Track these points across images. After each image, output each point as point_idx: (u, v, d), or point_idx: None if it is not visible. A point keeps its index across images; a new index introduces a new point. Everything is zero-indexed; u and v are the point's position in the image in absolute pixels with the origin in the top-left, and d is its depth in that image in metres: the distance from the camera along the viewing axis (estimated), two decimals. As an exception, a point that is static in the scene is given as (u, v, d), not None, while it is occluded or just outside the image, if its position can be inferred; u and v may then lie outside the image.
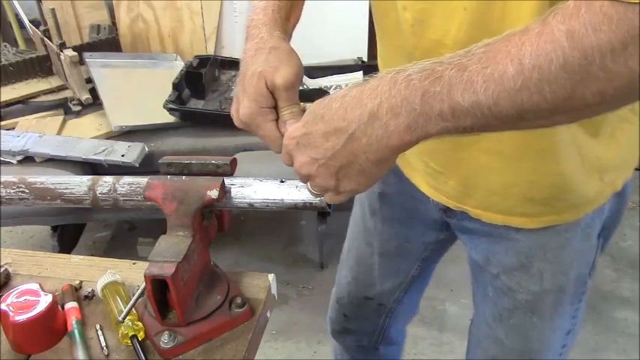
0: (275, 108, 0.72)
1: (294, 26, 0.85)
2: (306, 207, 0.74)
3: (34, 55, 2.24)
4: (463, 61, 0.55)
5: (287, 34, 0.80)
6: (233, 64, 2.28)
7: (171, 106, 1.98)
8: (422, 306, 2.13)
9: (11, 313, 0.74)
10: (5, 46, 2.35)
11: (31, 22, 2.30)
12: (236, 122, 0.75)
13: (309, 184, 0.70)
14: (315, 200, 0.73)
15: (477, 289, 1.06)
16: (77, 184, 0.80)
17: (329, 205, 0.74)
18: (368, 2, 2.45)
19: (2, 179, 0.81)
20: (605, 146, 0.82)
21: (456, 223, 0.97)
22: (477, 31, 0.56)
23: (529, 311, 0.97)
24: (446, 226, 1.03)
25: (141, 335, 0.76)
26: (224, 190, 0.75)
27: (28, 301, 0.76)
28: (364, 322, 1.28)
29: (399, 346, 1.40)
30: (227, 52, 2.40)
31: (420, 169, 0.95)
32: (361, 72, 2.27)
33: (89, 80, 2.12)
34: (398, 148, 0.60)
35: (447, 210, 0.95)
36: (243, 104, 0.73)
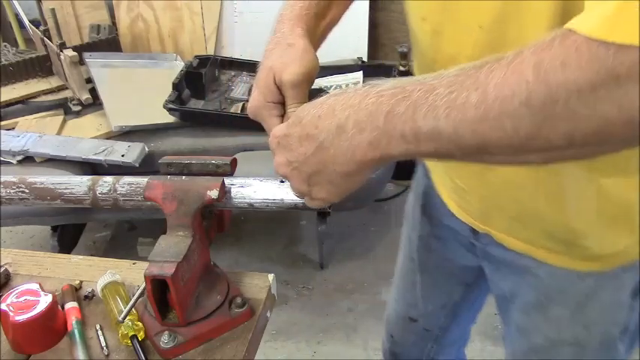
0: (283, 104, 0.72)
1: (331, 25, 0.84)
2: (306, 207, 0.74)
3: (34, 55, 2.24)
4: (434, 83, 0.51)
5: (315, 32, 0.79)
6: (233, 64, 2.28)
7: (171, 106, 1.98)
8: (422, 306, 2.15)
9: (11, 313, 0.74)
10: (5, 46, 2.35)
11: (31, 22, 2.30)
12: (247, 112, 0.76)
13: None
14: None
15: (502, 323, 1.02)
16: (77, 184, 0.80)
17: (329, 205, 0.74)
18: (368, 2, 2.46)
19: (2, 179, 0.81)
20: (634, 190, 0.72)
21: (482, 248, 0.92)
22: (493, 50, 0.53)
23: (543, 359, 0.91)
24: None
25: (141, 335, 0.76)
26: (224, 190, 0.75)
27: (28, 301, 0.76)
28: (410, 347, 1.23)
29: None
30: (227, 52, 2.40)
31: (447, 185, 0.91)
32: (361, 72, 2.27)
33: (89, 80, 2.12)
34: (363, 164, 0.58)
35: (474, 232, 0.91)
36: (252, 95, 0.74)
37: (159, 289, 0.72)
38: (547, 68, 0.44)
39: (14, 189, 0.81)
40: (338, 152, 0.58)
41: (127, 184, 0.78)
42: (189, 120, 2.02)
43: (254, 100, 0.73)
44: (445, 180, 0.91)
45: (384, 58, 2.75)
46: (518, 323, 0.94)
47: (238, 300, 0.79)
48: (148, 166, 1.85)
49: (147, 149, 1.89)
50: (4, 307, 0.75)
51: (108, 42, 2.30)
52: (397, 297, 1.19)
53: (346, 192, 0.64)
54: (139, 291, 0.75)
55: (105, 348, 0.76)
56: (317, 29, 0.80)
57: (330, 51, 2.38)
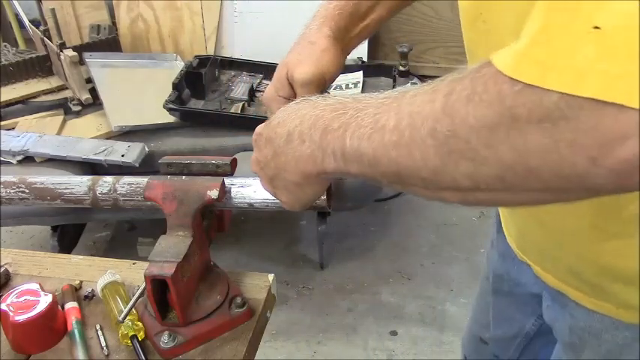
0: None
1: (372, 27, 0.81)
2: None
3: (34, 55, 2.24)
4: (368, 102, 0.50)
5: (347, 33, 0.77)
6: (233, 64, 2.28)
7: (171, 106, 1.98)
8: (422, 306, 2.15)
9: (11, 313, 0.74)
10: (5, 46, 2.35)
11: (31, 22, 2.30)
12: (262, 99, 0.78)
13: None
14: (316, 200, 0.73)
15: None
16: (77, 184, 0.80)
17: (329, 205, 0.74)
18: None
19: (2, 179, 0.81)
20: None
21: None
22: None
23: None
24: None
25: (141, 335, 0.76)
26: (224, 190, 0.75)
27: (28, 301, 0.76)
28: None
29: None
30: (227, 52, 2.40)
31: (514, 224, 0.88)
32: (361, 72, 2.27)
33: (89, 80, 2.12)
34: (307, 176, 0.56)
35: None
36: (268, 86, 0.76)
37: (159, 289, 0.72)
38: (454, 100, 0.41)
39: (14, 189, 0.81)
40: (287, 159, 0.58)
41: (127, 184, 0.78)
42: (189, 120, 2.02)
43: (268, 91, 0.76)
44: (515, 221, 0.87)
45: (384, 58, 2.75)
46: (556, 357, 0.90)
47: (238, 300, 0.79)
48: (148, 166, 1.85)
49: (147, 149, 1.89)
50: (4, 307, 0.75)
51: (108, 42, 2.30)
52: (473, 315, 1.14)
53: (304, 201, 0.62)
54: (139, 291, 0.75)
55: (105, 348, 0.76)
56: (351, 30, 0.78)
57: (330, 51, 2.38)
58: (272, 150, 0.60)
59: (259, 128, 0.64)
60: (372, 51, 2.56)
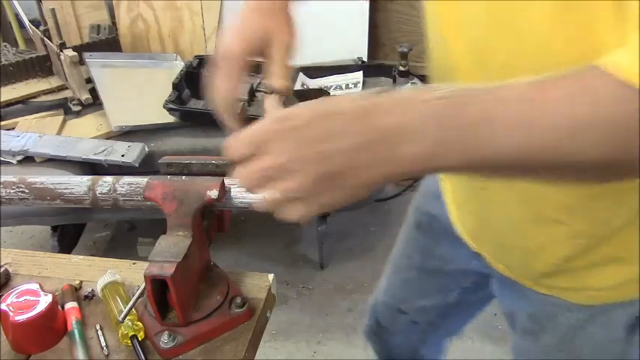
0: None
1: None
2: (306, 207, 0.74)
3: (34, 55, 2.24)
4: (503, 93, 0.48)
5: None
6: (233, 64, 2.27)
7: (171, 106, 1.98)
8: (422, 306, 2.15)
9: (11, 313, 0.74)
10: (5, 46, 2.35)
11: (31, 22, 2.30)
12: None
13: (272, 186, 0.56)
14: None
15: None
16: (77, 184, 0.80)
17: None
18: (368, 2, 2.46)
19: (2, 179, 0.81)
20: (620, 219, 0.70)
21: (482, 265, 0.91)
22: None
23: None
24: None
25: (141, 335, 0.76)
26: (224, 190, 0.75)
27: (28, 301, 0.76)
28: (396, 334, 1.22)
29: None
30: (227, 52, 2.40)
31: (449, 193, 0.91)
32: (361, 72, 2.27)
33: (89, 80, 2.12)
34: (391, 176, 0.51)
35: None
36: (219, 81, 0.76)
37: (159, 289, 0.72)
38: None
39: (14, 189, 0.81)
40: (369, 158, 0.50)
41: (126, 184, 0.78)
42: (189, 120, 2.02)
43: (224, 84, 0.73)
44: (448, 187, 0.91)
45: (384, 58, 2.75)
46: (516, 344, 0.93)
47: (238, 300, 0.79)
48: (148, 166, 1.85)
49: (147, 149, 1.89)
50: (4, 307, 0.75)
51: (108, 42, 2.30)
52: (388, 288, 1.17)
53: (333, 207, 0.54)
54: (139, 291, 0.75)
55: (105, 348, 0.76)
56: None
57: (330, 51, 2.38)
58: (348, 143, 0.50)
59: (293, 115, 0.53)
60: (372, 51, 2.56)
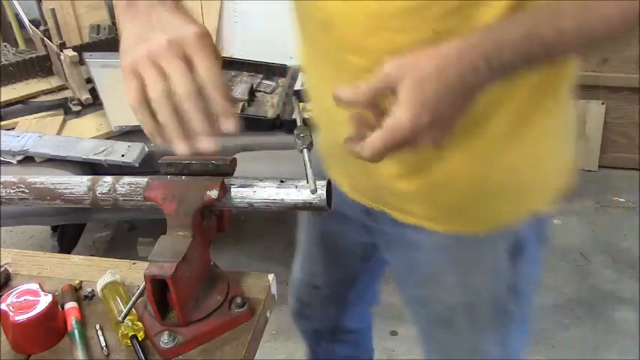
0: None
1: None
2: (306, 207, 0.74)
3: (34, 55, 2.24)
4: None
5: None
6: (233, 64, 2.27)
7: (171, 106, 1.98)
8: (422, 306, 2.14)
9: (11, 313, 0.74)
10: (5, 46, 2.35)
11: (31, 22, 2.30)
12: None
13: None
14: (315, 200, 0.73)
15: (405, 303, 1.04)
16: (77, 184, 0.80)
17: (329, 205, 0.74)
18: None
19: (2, 179, 0.81)
20: (513, 153, 0.78)
21: (376, 227, 0.96)
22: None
23: (445, 326, 0.96)
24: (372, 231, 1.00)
25: (141, 335, 0.76)
26: (224, 190, 0.75)
27: (28, 301, 0.76)
28: (318, 310, 1.29)
29: (361, 333, 1.37)
30: (227, 52, 2.40)
31: (338, 166, 0.94)
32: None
33: (89, 80, 2.12)
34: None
35: (367, 213, 0.93)
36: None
37: (159, 289, 0.72)
38: None
39: (14, 189, 0.81)
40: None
41: (127, 184, 0.78)
42: (189, 120, 2.02)
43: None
44: (337, 161, 0.94)
45: (384, 58, 2.75)
46: (418, 296, 0.98)
47: (238, 300, 0.79)
48: (148, 166, 1.85)
49: (147, 149, 1.89)
50: (4, 307, 0.75)
51: (108, 42, 2.30)
52: (302, 266, 1.26)
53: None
54: (139, 291, 0.75)
55: (105, 348, 0.76)
56: None
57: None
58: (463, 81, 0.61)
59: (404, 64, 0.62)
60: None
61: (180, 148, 0.64)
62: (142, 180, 0.78)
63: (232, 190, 0.76)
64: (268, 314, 0.84)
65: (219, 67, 0.64)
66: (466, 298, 0.92)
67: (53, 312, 0.77)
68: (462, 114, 0.64)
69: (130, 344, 0.75)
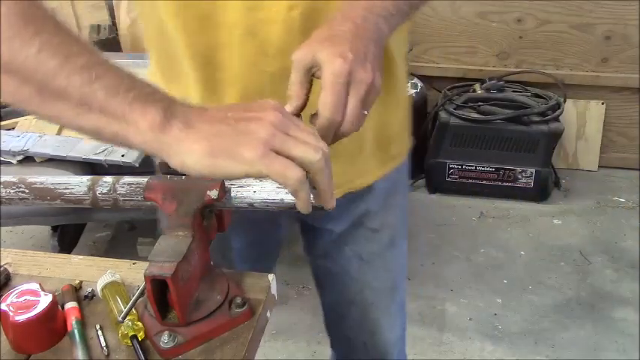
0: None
1: None
2: (306, 207, 0.74)
3: (34, 55, 2.24)
4: None
5: None
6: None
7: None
8: (422, 306, 2.14)
9: (11, 313, 0.74)
10: (5, 46, 2.35)
11: (31, 22, 2.30)
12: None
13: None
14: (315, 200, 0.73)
15: (337, 259, 1.14)
16: (77, 184, 0.80)
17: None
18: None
19: (2, 179, 0.81)
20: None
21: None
22: None
23: (391, 246, 1.13)
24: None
25: (141, 335, 0.76)
26: (224, 190, 0.75)
27: (28, 301, 0.76)
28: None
29: None
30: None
31: None
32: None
33: (89, 80, 2.12)
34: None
35: None
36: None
37: (159, 289, 0.72)
38: None
39: (14, 189, 0.81)
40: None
41: (127, 184, 0.78)
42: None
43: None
44: None
45: (384, 58, 2.75)
46: (367, 233, 1.09)
47: (238, 300, 0.79)
48: (147, 166, 1.85)
49: (147, 149, 1.89)
50: (4, 307, 0.75)
51: (108, 42, 2.30)
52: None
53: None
54: (139, 291, 0.75)
55: (105, 348, 0.76)
56: None
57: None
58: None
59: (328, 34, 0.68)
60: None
61: (333, 204, 0.65)
62: (142, 180, 0.78)
63: (232, 190, 0.76)
64: (268, 314, 0.84)
65: None
66: (393, 223, 1.12)
67: (53, 312, 0.77)
68: (378, 54, 0.69)
69: (130, 344, 0.75)
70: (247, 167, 0.57)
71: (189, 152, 0.58)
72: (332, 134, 0.66)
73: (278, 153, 0.57)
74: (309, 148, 0.58)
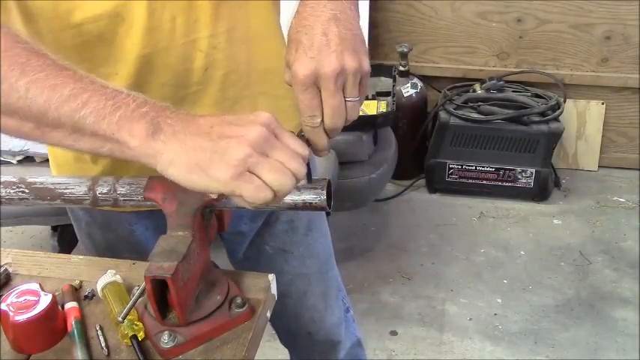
0: None
1: None
2: (306, 207, 0.74)
3: (34, 55, 2.24)
4: None
5: None
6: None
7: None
8: (422, 306, 2.15)
9: (11, 313, 0.74)
10: (5, 46, 2.35)
11: (31, 22, 2.30)
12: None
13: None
14: (315, 200, 0.73)
15: (260, 259, 1.13)
16: (77, 184, 0.80)
17: (329, 205, 0.74)
18: (368, 2, 2.45)
19: (2, 179, 0.81)
20: None
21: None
22: None
23: (309, 230, 1.13)
24: None
25: (141, 335, 0.76)
26: (224, 190, 0.75)
27: (28, 301, 0.76)
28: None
29: None
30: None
31: None
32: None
33: (89, 80, 2.12)
34: None
35: None
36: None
37: (159, 289, 0.72)
38: None
39: (14, 189, 0.81)
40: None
41: (127, 184, 0.78)
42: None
43: None
44: None
45: (384, 58, 2.75)
46: (285, 227, 1.09)
47: (238, 300, 0.79)
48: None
49: (147, 149, 1.89)
50: (4, 307, 0.75)
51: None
52: None
53: None
54: (139, 291, 0.75)
55: (105, 348, 0.76)
56: None
57: (330, 51, 2.38)
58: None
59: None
60: (371, 51, 2.56)
61: None
62: (142, 180, 0.78)
63: (232, 190, 0.76)
64: (268, 314, 0.84)
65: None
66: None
67: (53, 312, 0.77)
68: (359, 38, 0.72)
69: (130, 344, 0.75)
70: (220, 186, 0.61)
71: (171, 164, 0.62)
72: (321, 133, 0.70)
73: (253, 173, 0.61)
74: (280, 175, 0.61)
